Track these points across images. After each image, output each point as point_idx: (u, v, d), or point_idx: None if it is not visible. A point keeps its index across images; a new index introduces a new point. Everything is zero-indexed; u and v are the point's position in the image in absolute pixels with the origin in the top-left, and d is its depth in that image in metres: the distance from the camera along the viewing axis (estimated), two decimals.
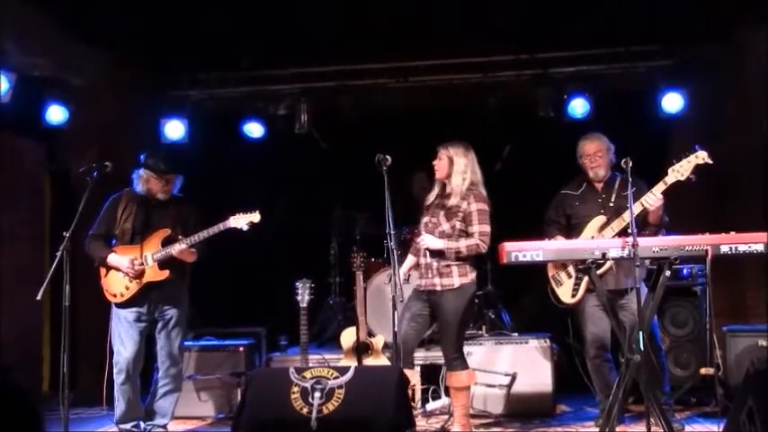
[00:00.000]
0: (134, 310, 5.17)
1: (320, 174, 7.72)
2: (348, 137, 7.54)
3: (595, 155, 5.33)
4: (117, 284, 5.18)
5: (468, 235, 4.92)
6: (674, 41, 6.64)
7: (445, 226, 4.97)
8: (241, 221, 5.17)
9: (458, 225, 4.95)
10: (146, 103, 7.22)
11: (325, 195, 7.58)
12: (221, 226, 5.16)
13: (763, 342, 5.53)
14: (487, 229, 4.92)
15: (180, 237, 5.18)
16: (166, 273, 5.16)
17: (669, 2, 6.11)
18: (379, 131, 7.17)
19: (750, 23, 6.24)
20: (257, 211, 5.20)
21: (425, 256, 5.05)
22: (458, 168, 5.00)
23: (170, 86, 7.26)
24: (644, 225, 5.01)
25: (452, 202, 4.98)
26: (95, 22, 6.08)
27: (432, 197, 5.14)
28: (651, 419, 4.39)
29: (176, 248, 5.12)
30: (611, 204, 5.25)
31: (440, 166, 5.08)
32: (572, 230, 5.28)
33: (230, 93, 7.32)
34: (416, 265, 5.22)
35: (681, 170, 4.82)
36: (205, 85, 7.29)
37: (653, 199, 4.90)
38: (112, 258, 5.16)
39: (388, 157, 4.81)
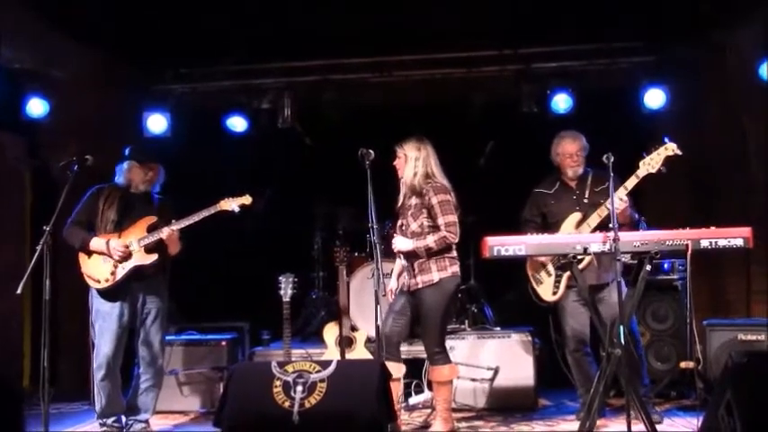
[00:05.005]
0: (115, 304, 5.13)
1: (303, 168, 7.71)
2: (331, 132, 7.54)
3: (576, 153, 5.34)
4: (101, 270, 5.11)
5: (436, 229, 4.93)
6: (656, 38, 6.68)
7: (414, 226, 4.99)
8: (232, 204, 5.19)
9: (425, 222, 4.95)
10: (128, 97, 7.18)
11: (309, 190, 7.57)
12: (212, 209, 5.17)
13: (742, 336, 5.58)
14: (452, 218, 4.92)
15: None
16: (155, 256, 5.12)
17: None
18: (363, 126, 7.17)
19: (731, 23, 6.29)
20: (247, 194, 5.22)
21: (402, 258, 5.09)
22: (408, 163, 5.02)
23: (153, 80, 7.22)
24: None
25: (414, 200, 5.00)
26: (78, 16, 6.04)
27: (400, 198, 5.14)
28: (631, 413, 4.41)
29: (167, 230, 5.09)
30: (586, 200, 5.27)
31: (399, 165, 5.10)
32: (548, 229, 5.27)
33: (213, 87, 7.31)
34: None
35: (651, 162, 4.85)
36: (188, 79, 7.26)
37: (617, 203, 4.89)
38: (94, 242, 5.11)
39: (371, 151, 4.80)
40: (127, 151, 5.30)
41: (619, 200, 4.88)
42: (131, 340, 5.26)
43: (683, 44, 6.60)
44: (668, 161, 4.83)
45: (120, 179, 5.27)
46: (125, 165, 5.25)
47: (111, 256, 5.09)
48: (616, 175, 4.83)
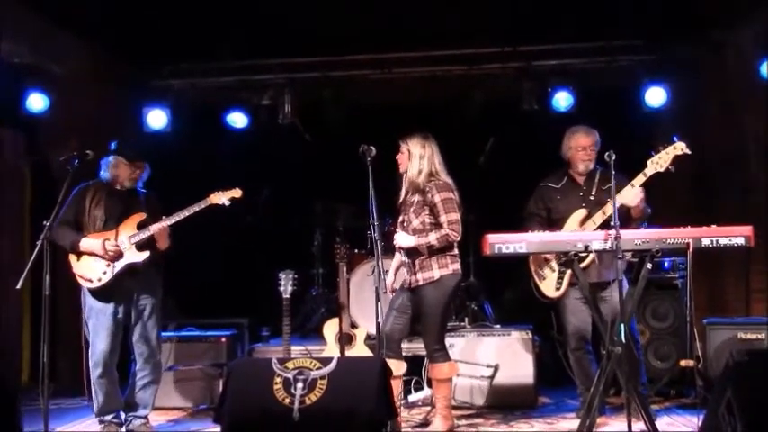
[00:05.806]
0: (110, 301, 5.09)
1: (304, 165, 7.71)
2: (332, 128, 7.54)
3: (590, 147, 5.31)
4: (93, 269, 5.05)
5: (438, 226, 4.93)
6: (657, 37, 6.68)
7: (415, 222, 4.97)
8: (222, 198, 5.15)
9: (427, 219, 4.94)
10: (128, 92, 7.17)
11: (309, 186, 7.57)
12: (202, 204, 5.12)
13: (742, 335, 5.59)
14: (455, 216, 4.90)
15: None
16: (146, 253, 5.08)
17: None
18: (363, 123, 7.17)
19: (731, 22, 6.29)
20: (237, 187, 5.19)
21: (403, 254, 5.07)
22: (413, 160, 5.00)
23: (152, 76, 7.21)
24: (627, 219, 4.98)
25: (416, 197, 4.99)
26: (78, 11, 6.02)
27: (402, 194, 5.12)
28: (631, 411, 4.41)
29: (157, 226, 5.05)
30: (592, 198, 5.26)
31: (402, 160, 5.07)
32: (553, 224, 5.26)
33: (213, 83, 7.30)
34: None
35: (660, 162, 4.83)
36: (188, 74, 7.25)
37: (631, 197, 4.90)
38: (85, 242, 5.05)
39: (372, 148, 4.79)
40: (113, 146, 5.22)
41: (632, 193, 4.87)
42: (126, 337, 5.21)
43: (684, 43, 6.60)
44: (676, 160, 4.81)
45: (105, 174, 5.19)
46: (111, 160, 5.17)
47: (104, 257, 5.05)
48: (619, 173, 4.83)
